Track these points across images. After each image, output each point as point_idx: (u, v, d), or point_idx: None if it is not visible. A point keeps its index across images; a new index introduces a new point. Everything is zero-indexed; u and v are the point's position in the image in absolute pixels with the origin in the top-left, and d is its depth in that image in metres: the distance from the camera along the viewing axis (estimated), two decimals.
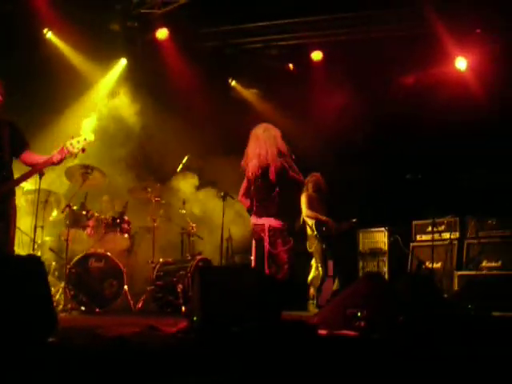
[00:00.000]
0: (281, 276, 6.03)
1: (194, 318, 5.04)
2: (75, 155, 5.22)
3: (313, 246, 8.68)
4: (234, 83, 11.42)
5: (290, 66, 11.06)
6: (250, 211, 6.43)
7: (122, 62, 10.22)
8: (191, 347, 4.38)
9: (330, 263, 8.77)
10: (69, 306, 7.33)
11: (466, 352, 4.29)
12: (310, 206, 8.70)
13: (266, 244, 6.15)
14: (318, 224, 8.64)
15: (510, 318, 7.22)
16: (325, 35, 10.00)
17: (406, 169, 8.66)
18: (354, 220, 9.10)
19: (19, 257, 3.69)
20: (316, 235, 8.62)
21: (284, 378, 3.19)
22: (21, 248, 7.33)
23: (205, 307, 4.90)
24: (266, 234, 6.16)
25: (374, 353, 5.30)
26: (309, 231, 8.74)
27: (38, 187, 7.00)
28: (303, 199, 8.75)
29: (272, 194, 6.28)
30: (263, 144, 6.27)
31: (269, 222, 6.21)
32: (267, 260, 6.20)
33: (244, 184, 6.49)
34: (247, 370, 3.19)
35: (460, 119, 9.07)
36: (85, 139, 5.15)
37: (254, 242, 6.48)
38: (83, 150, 5.17)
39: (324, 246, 8.60)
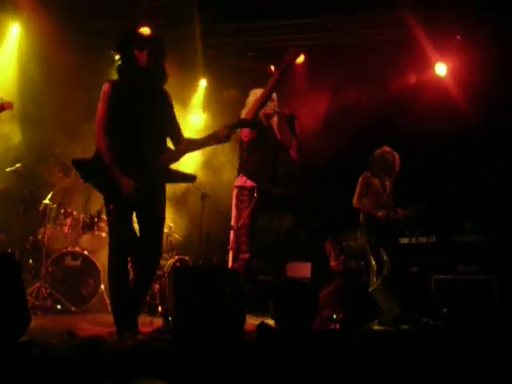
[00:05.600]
0: None
1: (169, 319, 5.05)
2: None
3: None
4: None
5: (272, 67, 11.00)
6: None
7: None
8: (165, 349, 4.40)
9: None
10: (46, 304, 7.26)
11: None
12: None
13: None
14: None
15: None
16: (306, 38, 10.01)
17: None
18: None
19: None
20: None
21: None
22: None
23: (179, 308, 4.91)
24: None
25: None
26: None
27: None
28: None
29: None
30: None
31: None
32: None
33: None
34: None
35: (439, 126, 9.11)
36: None
37: None
38: None
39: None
